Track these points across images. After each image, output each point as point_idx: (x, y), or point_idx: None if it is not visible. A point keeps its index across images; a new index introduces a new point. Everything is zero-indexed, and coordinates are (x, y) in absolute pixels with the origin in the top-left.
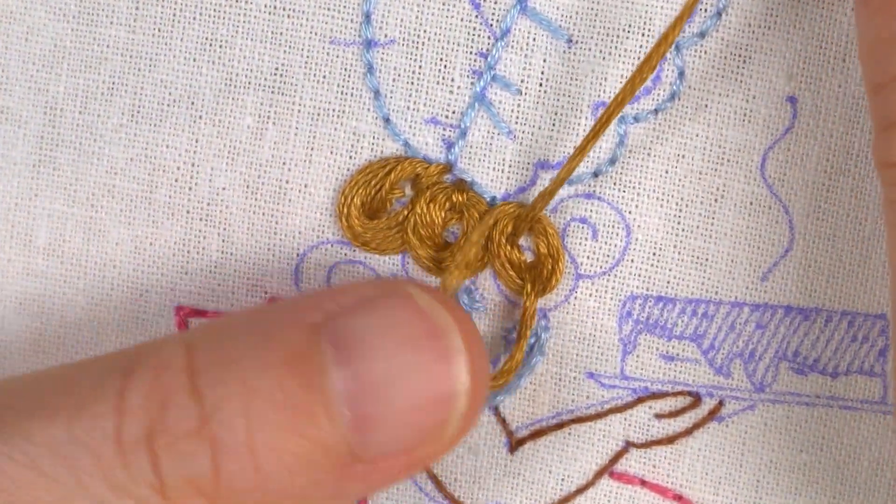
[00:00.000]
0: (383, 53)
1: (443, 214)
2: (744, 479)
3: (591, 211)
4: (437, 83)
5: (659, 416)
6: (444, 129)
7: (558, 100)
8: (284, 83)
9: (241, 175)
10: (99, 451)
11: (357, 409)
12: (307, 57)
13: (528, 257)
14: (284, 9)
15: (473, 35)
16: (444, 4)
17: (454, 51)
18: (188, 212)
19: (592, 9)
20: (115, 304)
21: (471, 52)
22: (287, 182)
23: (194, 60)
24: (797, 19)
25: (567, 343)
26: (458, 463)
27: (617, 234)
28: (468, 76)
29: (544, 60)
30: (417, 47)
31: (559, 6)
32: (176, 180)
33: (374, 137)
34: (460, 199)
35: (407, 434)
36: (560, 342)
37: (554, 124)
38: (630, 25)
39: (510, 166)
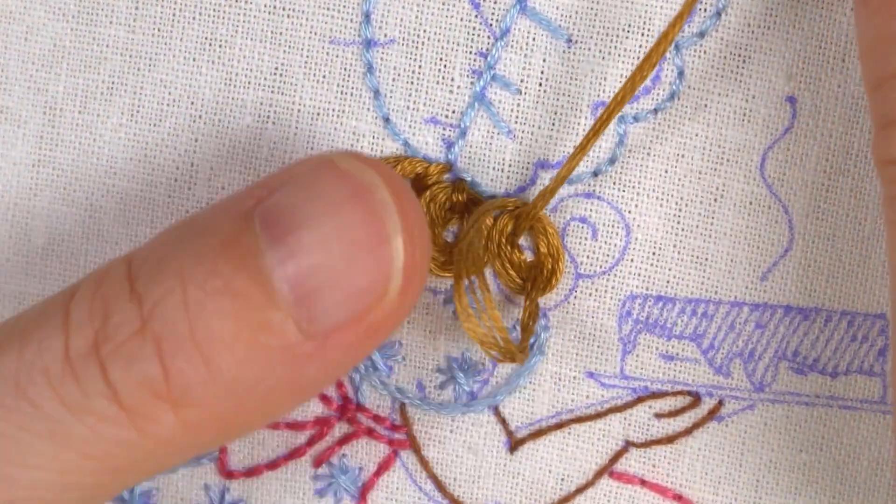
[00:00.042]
0: (383, 53)
1: (443, 214)
2: (743, 479)
3: (590, 210)
4: (437, 83)
5: (659, 416)
6: (444, 129)
7: (558, 99)
8: (284, 83)
9: (241, 175)
10: (50, 371)
11: (297, 284)
12: (307, 57)
13: (528, 257)
14: (284, 8)
15: (473, 35)
16: (443, 4)
17: (454, 50)
18: (187, 212)
19: (592, 8)
20: None
21: (470, 52)
22: None
23: (194, 60)
24: (797, 19)
25: (567, 343)
26: (457, 463)
27: (616, 234)
28: (468, 76)
29: (544, 60)
30: (417, 47)
31: (559, 6)
32: (175, 180)
33: (373, 137)
34: (460, 198)
35: (351, 300)
36: (560, 342)
37: (554, 124)
38: (630, 25)
39: (510, 166)
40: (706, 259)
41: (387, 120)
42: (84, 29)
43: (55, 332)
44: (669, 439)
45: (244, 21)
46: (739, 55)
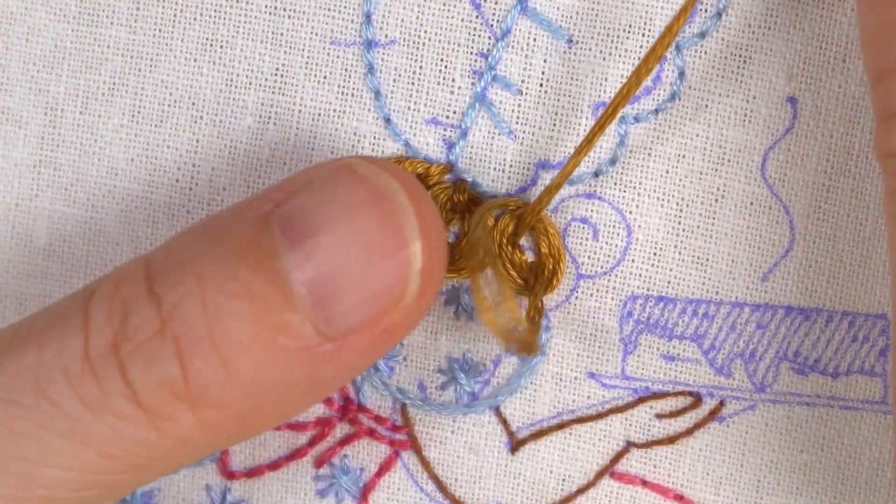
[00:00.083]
0: (384, 54)
1: (444, 215)
2: (744, 479)
3: (591, 211)
4: (438, 83)
5: (660, 417)
6: (445, 130)
7: (559, 100)
8: (285, 83)
9: (242, 175)
10: (69, 370)
11: (315, 287)
12: (308, 57)
13: (529, 257)
14: (285, 9)
15: (474, 35)
16: (444, 5)
17: (455, 51)
18: (188, 212)
19: (593, 9)
20: None
21: (471, 53)
22: None
23: (195, 61)
24: (797, 20)
25: (568, 343)
26: (459, 463)
27: (618, 234)
28: (469, 76)
29: (545, 61)
30: (418, 48)
31: (560, 6)
32: (176, 181)
33: (374, 138)
34: (461, 199)
35: (368, 303)
36: (561, 342)
37: (555, 124)
38: (630, 26)
39: (511, 166)
40: (707, 259)
41: (388, 120)
42: (85, 30)
43: (75, 332)
44: (670, 440)
45: (245, 22)
46: (740, 55)
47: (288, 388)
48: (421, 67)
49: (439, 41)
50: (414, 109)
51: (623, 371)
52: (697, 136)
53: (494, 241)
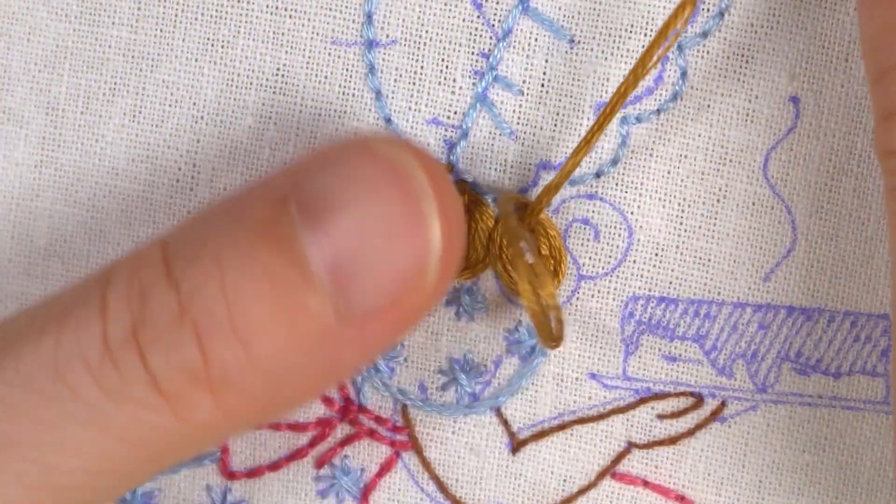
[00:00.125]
0: (385, 54)
1: None
2: (746, 480)
3: (593, 212)
4: (439, 84)
5: (661, 417)
6: (446, 130)
7: (560, 100)
8: (286, 83)
9: (243, 175)
10: (88, 357)
11: (334, 268)
12: (308, 57)
13: (530, 258)
14: (286, 9)
15: (475, 35)
16: (445, 5)
17: (456, 51)
18: (189, 212)
19: (595, 9)
20: None
21: (472, 53)
22: None
23: (196, 61)
24: (800, 19)
25: (569, 344)
26: (460, 464)
27: (619, 235)
28: (470, 77)
29: (546, 61)
30: (419, 48)
31: (561, 6)
32: (177, 181)
33: None
34: (462, 199)
35: (388, 284)
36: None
37: (556, 125)
38: (632, 26)
39: (512, 167)
40: (709, 260)
41: (388, 121)
42: (86, 30)
43: (92, 318)
44: (672, 440)
45: (246, 22)
46: (742, 55)
47: (308, 371)
48: (422, 67)
49: (440, 41)
50: (415, 110)
51: (624, 372)
52: (699, 136)
53: (496, 242)
